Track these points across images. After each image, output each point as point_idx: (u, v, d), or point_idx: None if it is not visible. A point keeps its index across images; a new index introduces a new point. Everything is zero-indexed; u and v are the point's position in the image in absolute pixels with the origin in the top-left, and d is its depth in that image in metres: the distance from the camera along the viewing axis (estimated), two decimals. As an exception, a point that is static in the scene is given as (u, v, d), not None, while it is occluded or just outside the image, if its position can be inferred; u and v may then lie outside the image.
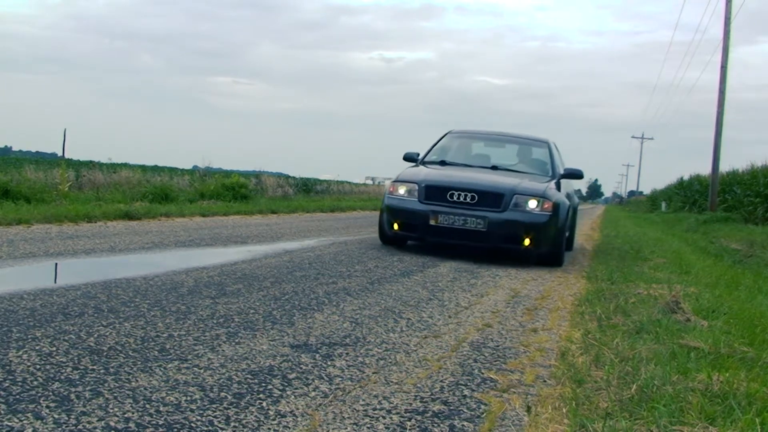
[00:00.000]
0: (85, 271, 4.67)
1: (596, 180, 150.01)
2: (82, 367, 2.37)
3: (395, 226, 6.92)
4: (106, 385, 2.22)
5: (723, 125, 20.55)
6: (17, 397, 2.04)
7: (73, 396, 2.09)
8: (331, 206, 16.29)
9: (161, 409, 2.06)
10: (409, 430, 2.09)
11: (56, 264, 4.71)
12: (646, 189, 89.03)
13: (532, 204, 6.59)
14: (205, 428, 1.95)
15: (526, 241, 6.56)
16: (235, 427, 1.98)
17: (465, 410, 2.31)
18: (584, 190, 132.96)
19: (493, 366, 2.88)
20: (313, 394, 2.32)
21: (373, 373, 2.63)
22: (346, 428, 2.05)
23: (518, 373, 2.79)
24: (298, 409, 2.16)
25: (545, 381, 2.70)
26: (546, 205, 6.61)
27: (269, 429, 1.99)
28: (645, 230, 16.14)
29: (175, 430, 1.92)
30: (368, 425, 2.09)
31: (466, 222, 6.51)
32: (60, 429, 1.85)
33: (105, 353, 2.56)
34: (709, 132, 37.77)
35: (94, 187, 13.80)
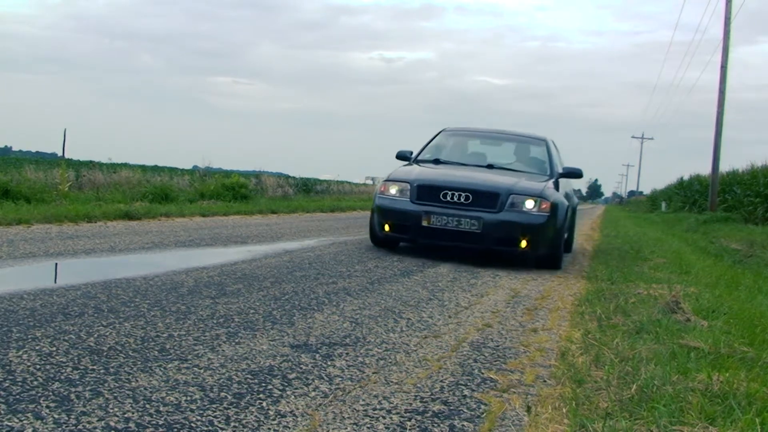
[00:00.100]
0: (85, 271, 4.66)
1: (596, 180, 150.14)
2: (82, 367, 2.37)
3: (386, 228, 6.67)
4: (106, 385, 2.22)
5: (723, 125, 20.55)
6: (17, 397, 2.04)
7: (73, 396, 2.09)
8: (331, 206, 16.29)
9: (161, 409, 2.06)
10: (409, 430, 2.09)
11: (56, 264, 4.71)
12: (646, 189, 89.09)
13: (529, 204, 6.33)
14: (205, 428, 1.95)
15: (523, 243, 6.30)
16: (235, 427, 1.98)
17: (465, 410, 2.31)
18: (584, 190, 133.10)
19: (493, 366, 2.88)
20: (313, 394, 2.32)
21: (373, 373, 2.63)
22: (346, 428, 2.05)
23: (518, 373, 2.79)
24: (298, 409, 2.16)
25: (545, 381, 2.70)
26: (543, 206, 6.34)
27: (269, 429, 1.99)
28: (645, 230, 16.14)
29: (175, 430, 1.92)
30: (368, 425, 2.09)
31: (460, 223, 6.26)
32: (60, 429, 1.85)
33: (105, 353, 2.56)
34: (709, 132, 37.78)
35: (94, 187, 13.80)
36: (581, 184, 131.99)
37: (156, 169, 23.80)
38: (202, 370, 2.45)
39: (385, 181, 6.91)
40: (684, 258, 8.24)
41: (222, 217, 10.06)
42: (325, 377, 2.51)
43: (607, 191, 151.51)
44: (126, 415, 1.98)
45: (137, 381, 2.28)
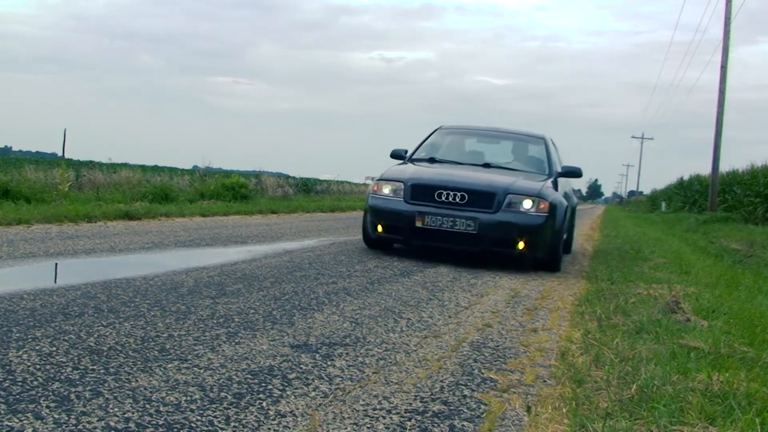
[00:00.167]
0: (85, 271, 4.67)
1: (596, 180, 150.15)
2: (82, 367, 2.37)
3: (379, 229, 6.46)
4: (106, 385, 2.22)
5: (723, 125, 20.56)
6: (17, 397, 2.04)
7: (73, 396, 2.09)
8: (331, 206, 16.29)
9: (161, 409, 2.06)
10: (409, 430, 2.09)
11: (56, 264, 4.71)
12: (646, 189, 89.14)
13: (527, 204, 6.12)
14: (205, 428, 1.95)
15: (520, 245, 6.10)
16: (235, 427, 1.98)
17: (465, 410, 2.31)
18: (584, 190, 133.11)
19: (493, 366, 2.88)
20: (313, 394, 2.32)
21: (373, 373, 2.63)
22: (346, 428, 2.05)
23: (518, 373, 2.79)
24: (298, 409, 2.16)
25: (545, 381, 2.70)
26: (542, 206, 6.13)
27: (269, 429, 1.99)
28: (645, 230, 16.14)
29: (175, 430, 1.92)
30: (368, 425, 2.09)
31: (455, 224, 6.05)
32: (60, 429, 1.85)
33: (105, 353, 2.56)
34: (709, 132, 37.80)
35: (94, 187, 13.80)
36: (581, 184, 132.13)
37: (156, 169, 23.80)
38: (202, 370, 2.45)
39: (378, 180, 6.70)
40: (684, 258, 8.24)
41: (222, 217, 10.06)
42: (325, 377, 2.51)
43: (607, 191, 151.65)
44: (126, 415, 1.98)
45: (137, 381, 2.28)
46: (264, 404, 2.18)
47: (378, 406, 2.26)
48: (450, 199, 6.16)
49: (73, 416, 1.93)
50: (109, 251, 5.41)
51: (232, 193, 14.78)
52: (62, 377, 2.25)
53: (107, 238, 6.17)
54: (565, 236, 6.97)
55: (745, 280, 6.31)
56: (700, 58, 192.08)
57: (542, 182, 6.61)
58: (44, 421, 1.89)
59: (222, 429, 1.95)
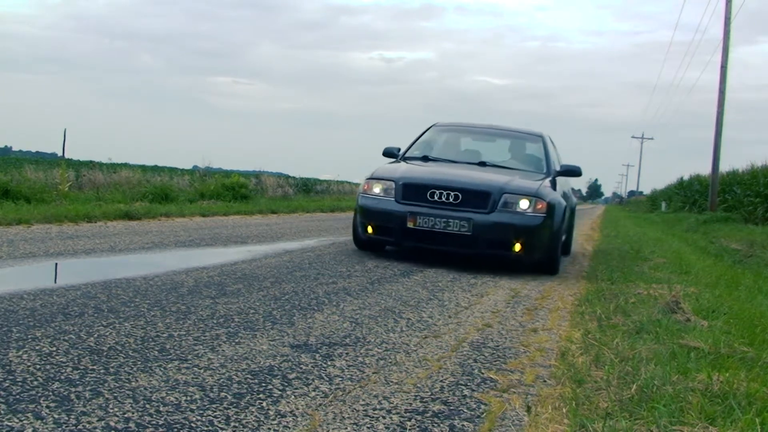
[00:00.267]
0: (85, 271, 4.67)
1: (596, 180, 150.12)
2: (82, 367, 2.37)
3: (369, 230, 6.21)
4: (106, 385, 2.22)
5: (723, 125, 20.56)
6: (17, 397, 2.04)
7: (73, 396, 2.09)
8: (331, 206, 16.29)
9: (161, 409, 2.06)
10: (409, 430, 2.09)
11: (56, 264, 4.71)
12: (646, 189, 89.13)
13: (524, 204, 5.87)
14: (205, 428, 1.95)
15: (517, 247, 5.86)
16: (235, 427, 1.98)
17: (465, 410, 2.31)
18: (584, 190, 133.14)
19: (493, 366, 2.88)
20: (313, 394, 2.32)
21: (373, 373, 2.63)
22: (346, 428, 2.05)
23: (518, 373, 2.79)
24: (298, 409, 2.16)
25: (545, 381, 2.70)
26: (539, 206, 5.89)
27: (269, 429, 1.99)
28: (645, 230, 16.14)
29: (175, 430, 1.92)
30: (368, 425, 2.09)
31: (448, 224, 5.80)
32: (60, 429, 1.85)
33: (105, 353, 2.56)
34: (709, 132, 37.80)
35: (94, 187, 13.81)
36: (581, 184, 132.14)
37: (156, 169, 23.80)
38: (202, 370, 2.45)
39: (368, 179, 6.42)
40: (684, 258, 8.24)
41: (222, 217, 10.06)
42: (325, 377, 2.51)
43: (607, 191, 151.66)
44: (126, 415, 1.98)
45: (137, 381, 2.28)
46: (264, 404, 2.18)
47: (378, 406, 2.26)
48: (443, 198, 5.93)
49: (73, 416, 1.93)
50: (109, 251, 5.41)
51: (232, 193, 14.78)
52: (62, 377, 2.25)
53: (107, 238, 6.17)
54: (563, 237, 6.76)
55: (745, 280, 6.31)
56: (700, 58, 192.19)
57: (540, 181, 6.39)
58: (44, 421, 1.89)
59: (222, 429, 1.95)
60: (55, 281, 4.25)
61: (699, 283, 5.66)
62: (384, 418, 2.16)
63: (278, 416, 2.09)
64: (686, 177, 33.39)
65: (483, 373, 2.75)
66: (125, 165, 20.27)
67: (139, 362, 2.48)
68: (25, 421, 1.87)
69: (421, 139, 7.60)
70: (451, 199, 5.92)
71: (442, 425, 2.15)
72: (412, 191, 6.04)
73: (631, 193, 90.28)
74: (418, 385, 2.53)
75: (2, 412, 1.92)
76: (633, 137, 72.92)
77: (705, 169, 26.77)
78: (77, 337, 2.73)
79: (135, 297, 3.60)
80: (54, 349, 2.56)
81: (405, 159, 7.15)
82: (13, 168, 14.48)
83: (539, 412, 2.29)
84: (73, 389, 2.15)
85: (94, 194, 11.85)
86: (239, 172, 22.23)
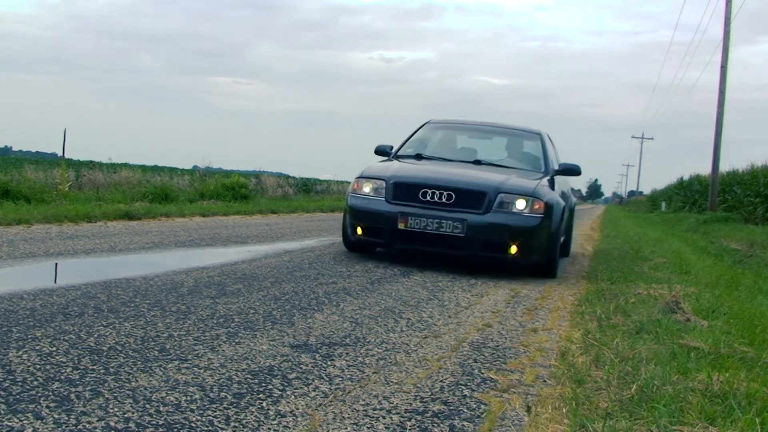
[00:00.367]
0: (85, 271, 4.67)
1: (596, 180, 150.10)
2: (82, 367, 2.37)
3: (359, 231, 5.97)
4: (106, 385, 2.22)
5: (723, 125, 20.57)
6: (17, 397, 2.04)
7: (73, 396, 2.09)
8: (331, 206, 16.28)
9: (161, 409, 2.06)
10: (409, 430, 2.09)
11: (56, 264, 4.71)
12: (646, 189, 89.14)
13: (520, 204, 5.64)
14: (205, 428, 1.95)
15: (513, 249, 5.62)
16: (235, 427, 1.98)
17: (465, 410, 2.31)
18: (584, 190, 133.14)
19: (493, 366, 2.88)
20: (313, 394, 2.32)
21: (373, 373, 2.63)
22: (346, 428, 2.05)
23: (518, 373, 2.79)
24: (298, 409, 2.16)
25: (545, 381, 2.70)
26: (536, 206, 5.66)
27: (269, 429, 1.99)
28: (645, 230, 16.14)
29: (175, 430, 1.92)
30: (368, 425, 2.09)
31: (441, 225, 5.55)
32: (60, 429, 1.85)
33: (105, 353, 2.56)
34: (709, 132, 37.80)
35: (94, 187, 13.81)
36: (581, 184, 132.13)
37: (156, 169, 23.82)
38: (202, 370, 2.45)
39: (358, 177, 6.14)
40: (684, 258, 8.24)
41: (222, 217, 10.06)
42: (325, 377, 2.51)
43: (607, 191, 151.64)
44: (126, 415, 1.98)
45: (137, 381, 2.28)
46: (264, 404, 2.18)
47: (378, 406, 2.26)
48: (436, 198, 5.68)
49: (73, 416, 1.93)
50: (109, 251, 5.41)
51: (232, 193, 14.79)
52: (62, 377, 2.25)
53: (107, 238, 6.17)
54: (562, 239, 6.53)
55: (745, 280, 6.31)
56: (700, 58, 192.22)
57: (537, 180, 6.14)
58: (44, 421, 1.89)
59: (222, 429, 1.95)
60: (55, 281, 4.25)
61: (699, 283, 5.66)
62: (384, 418, 2.16)
63: (278, 416, 2.09)
64: (686, 177, 33.44)
65: (483, 373, 2.75)
66: (125, 165, 20.28)
67: (139, 362, 2.48)
68: (25, 421, 1.87)
69: (414, 136, 7.34)
70: (444, 199, 5.69)
71: (442, 425, 2.15)
72: (403, 191, 5.81)
73: (631, 193, 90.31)
74: (418, 385, 2.53)
75: (2, 412, 1.92)
76: (633, 137, 72.99)
77: (705, 169, 26.80)
78: (77, 337, 2.73)
79: (135, 297, 3.60)
80: (54, 349, 2.56)
81: (397, 157, 6.92)
82: (13, 168, 14.49)
83: (539, 412, 2.29)
84: (73, 389, 2.15)
85: (94, 194, 11.86)
86: (239, 172, 22.25)
